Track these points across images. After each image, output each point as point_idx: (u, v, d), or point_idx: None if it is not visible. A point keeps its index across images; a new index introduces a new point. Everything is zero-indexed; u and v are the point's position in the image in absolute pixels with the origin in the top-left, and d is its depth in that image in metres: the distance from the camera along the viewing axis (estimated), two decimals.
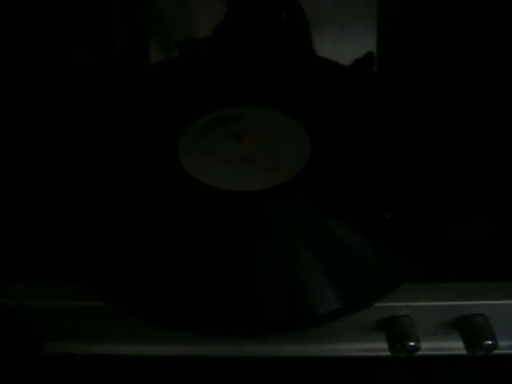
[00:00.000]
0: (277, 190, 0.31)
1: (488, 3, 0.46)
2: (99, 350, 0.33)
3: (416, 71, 0.46)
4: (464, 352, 0.30)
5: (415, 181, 0.34)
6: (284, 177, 0.31)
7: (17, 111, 0.42)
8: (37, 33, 0.45)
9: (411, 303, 0.30)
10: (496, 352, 0.30)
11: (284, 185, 0.31)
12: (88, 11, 0.45)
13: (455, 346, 0.31)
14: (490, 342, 0.29)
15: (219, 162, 0.33)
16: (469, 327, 0.30)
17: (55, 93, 0.43)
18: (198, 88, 0.39)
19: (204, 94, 0.38)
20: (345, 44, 0.43)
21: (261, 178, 0.31)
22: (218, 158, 0.33)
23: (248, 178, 0.32)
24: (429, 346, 0.31)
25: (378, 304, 0.29)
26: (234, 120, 0.36)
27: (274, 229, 0.30)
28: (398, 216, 0.31)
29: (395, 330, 0.30)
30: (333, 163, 0.33)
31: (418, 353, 0.30)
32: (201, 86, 0.39)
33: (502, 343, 0.30)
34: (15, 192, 0.35)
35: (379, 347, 0.32)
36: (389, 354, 0.30)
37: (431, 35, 0.46)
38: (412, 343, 0.29)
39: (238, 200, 0.31)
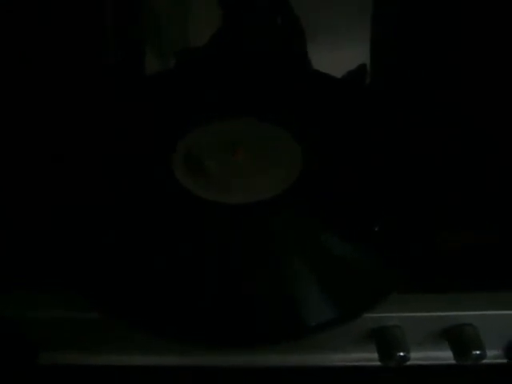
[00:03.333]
0: (269, 201, 0.31)
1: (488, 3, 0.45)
2: (95, 360, 0.33)
3: (416, 71, 0.46)
4: (453, 362, 0.31)
5: (411, 185, 0.34)
6: (277, 189, 0.32)
7: (17, 111, 0.43)
8: (37, 33, 0.45)
9: (401, 313, 0.30)
10: (485, 362, 0.30)
11: (277, 197, 0.31)
12: (87, 14, 0.45)
13: (444, 355, 0.32)
14: (478, 352, 0.29)
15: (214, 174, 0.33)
16: (457, 337, 0.30)
17: (55, 93, 0.43)
18: (192, 99, 0.39)
19: (198, 106, 0.38)
20: (339, 53, 0.43)
21: (254, 191, 0.32)
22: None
23: (241, 190, 0.32)
24: (418, 356, 0.32)
25: (368, 314, 0.29)
26: (228, 132, 0.36)
27: (267, 240, 0.30)
28: (388, 227, 0.31)
29: (385, 340, 0.30)
30: (326, 174, 0.33)
31: (408, 363, 0.30)
32: (194, 97, 0.39)
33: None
34: (13, 192, 0.36)
35: (369, 357, 0.32)
36: (379, 363, 0.31)
37: (430, 35, 0.46)
38: (402, 353, 0.29)
39: (232, 212, 0.31)
